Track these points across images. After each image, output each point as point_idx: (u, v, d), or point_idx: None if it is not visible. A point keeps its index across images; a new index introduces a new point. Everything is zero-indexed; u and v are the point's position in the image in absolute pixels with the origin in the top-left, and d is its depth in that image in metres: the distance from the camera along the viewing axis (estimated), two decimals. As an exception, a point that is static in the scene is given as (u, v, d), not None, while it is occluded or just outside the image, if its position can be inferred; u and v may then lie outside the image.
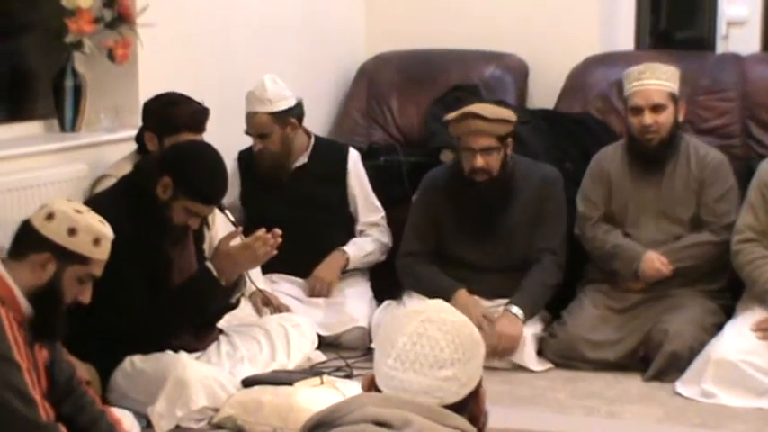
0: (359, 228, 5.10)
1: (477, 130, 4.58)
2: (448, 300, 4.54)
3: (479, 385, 1.99)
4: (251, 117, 4.89)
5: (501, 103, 5.33)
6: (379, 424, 1.89)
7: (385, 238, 5.11)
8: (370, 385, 2.01)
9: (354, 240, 5.05)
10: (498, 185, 4.68)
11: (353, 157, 5.12)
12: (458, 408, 1.94)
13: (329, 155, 5.06)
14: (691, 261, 4.62)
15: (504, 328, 4.56)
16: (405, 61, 6.06)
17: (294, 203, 4.89)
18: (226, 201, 4.21)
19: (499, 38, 5.97)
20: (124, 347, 3.97)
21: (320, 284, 4.92)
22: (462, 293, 4.67)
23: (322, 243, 4.97)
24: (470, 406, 1.96)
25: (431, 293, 4.60)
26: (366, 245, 5.05)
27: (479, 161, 4.61)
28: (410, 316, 1.99)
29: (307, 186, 4.96)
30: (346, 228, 5.09)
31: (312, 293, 4.91)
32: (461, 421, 1.92)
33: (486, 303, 4.75)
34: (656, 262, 4.59)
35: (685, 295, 4.61)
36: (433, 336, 1.95)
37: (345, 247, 4.99)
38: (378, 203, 5.14)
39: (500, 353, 4.52)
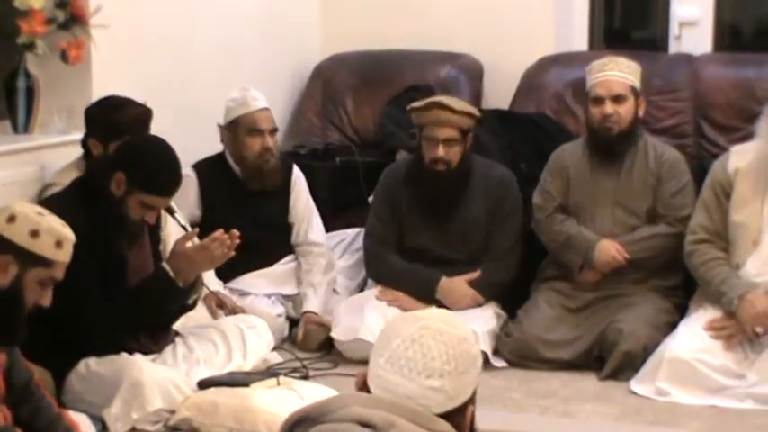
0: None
1: (442, 121, 4.65)
2: (433, 289, 4.65)
3: (469, 402, 1.99)
4: (263, 112, 4.91)
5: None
6: (363, 425, 1.89)
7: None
8: (363, 384, 2.01)
9: (307, 292, 4.97)
10: (455, 177, 4.74)
11: (297, 171, 5.12)
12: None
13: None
14: (646, 252, 4.66)
15: None
16: (360, 62, 6.06)
17: (253, 213, 4.89)
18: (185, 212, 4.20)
19: (454, 38, 5.99)
20: (79, 350, 3.94)
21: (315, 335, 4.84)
22: (446, 279, 4.76)
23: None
24: (456, 421, 1.96)
25: (409, 284, 4.72)
26: (318, 284, 4.99)
27: (441, 151, 4.67)
28: (410, 320, 2.00)
29: (261, 198, 4.97)
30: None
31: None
32: (447, 427, 1.92)
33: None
34: (611, 249, 4.63)
35: (639, 293, 4.65)
36: (426, 343, 1.96)
37: (307, 308, 4.91)
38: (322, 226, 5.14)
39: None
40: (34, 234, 3.12)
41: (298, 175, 5.10)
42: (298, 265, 5.05)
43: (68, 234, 3.20)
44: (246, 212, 4.83)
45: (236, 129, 4.92)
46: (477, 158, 4.89)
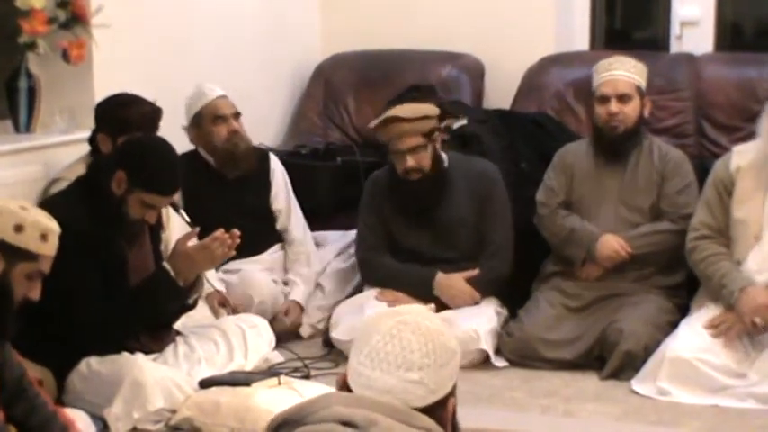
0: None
1: (403, 133, 4.65)
2: (429, 285, 4.66)
3: (450, 395, 1.99)
4: (222, 99, 4.96)
5: (455, 103, 5.35)
6: (345, 424, 1.89)
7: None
8: (344, 383, 2.02)
9: (296, 280, 5.04)
10: (433, 180, 4.74)
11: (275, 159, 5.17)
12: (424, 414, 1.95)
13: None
14: (649, 248, 4.67)
15: None
16: (361, 61, 6.06)
17: (235, 202, 4.91)
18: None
19: (455, 38, 6.00)
20: (80, 349, 3.95)
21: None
22: (442, 275, 4.75)
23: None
24: (438, 415, 1.96)
25: (407, 283, 4.71)
26: (305, 276, 5.07)
27: (410, 162, 4.67)
28: (388, 316, 2.01)
29: (238, 184, 5.01)
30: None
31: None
32: (430, 422, 1.92)
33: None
34: (613, 243, 4.64)
35: (640, 293, 4.65)
36: (405, 337, 1.97)
37: (294, 297, 4.99)
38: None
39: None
40: (18, 228, 3.11)
41: (276, 163, 5.14)
42: (285, 254, 5.11)
43: (53, 227, 3.19)
44: (227, 201, 4.88)
45: (201, 121, 4.95)
46: (455, 155, 4.88)
